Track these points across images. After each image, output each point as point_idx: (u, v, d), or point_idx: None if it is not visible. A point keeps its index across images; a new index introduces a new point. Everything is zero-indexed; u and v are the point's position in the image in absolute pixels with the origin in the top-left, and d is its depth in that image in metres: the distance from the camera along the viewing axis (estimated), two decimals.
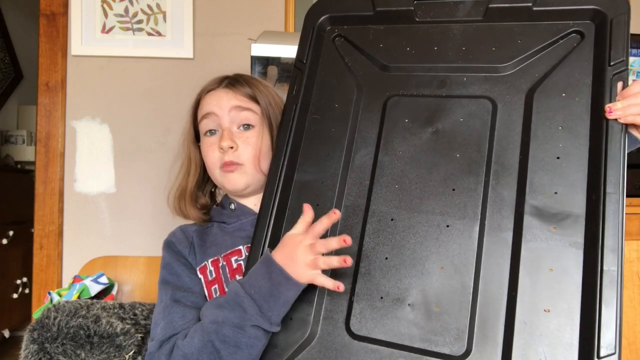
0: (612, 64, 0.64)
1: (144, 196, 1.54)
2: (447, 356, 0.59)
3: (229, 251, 0.82)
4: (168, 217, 1.53)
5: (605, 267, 0.58)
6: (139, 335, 1.07)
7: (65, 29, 1.52)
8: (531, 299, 0.59)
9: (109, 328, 1.04)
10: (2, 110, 3.15)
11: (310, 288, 0.66)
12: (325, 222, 0.64)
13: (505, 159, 0.65)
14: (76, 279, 1.30)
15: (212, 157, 0.84)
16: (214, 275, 0.81)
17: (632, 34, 1.53)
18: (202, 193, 0.92)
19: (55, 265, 1.49)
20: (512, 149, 0.66)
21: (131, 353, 1.04)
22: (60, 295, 1.25)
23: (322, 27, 0.81)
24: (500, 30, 0.72)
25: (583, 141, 0.64)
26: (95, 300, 1.17)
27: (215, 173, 0.85)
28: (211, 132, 0.85)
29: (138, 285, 1.47)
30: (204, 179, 0.93)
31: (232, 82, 0.86)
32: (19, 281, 2.59)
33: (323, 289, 0.66)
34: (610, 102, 0.63)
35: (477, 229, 0.63)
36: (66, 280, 1.49)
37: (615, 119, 0.62)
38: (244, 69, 1.54)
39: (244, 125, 0.84)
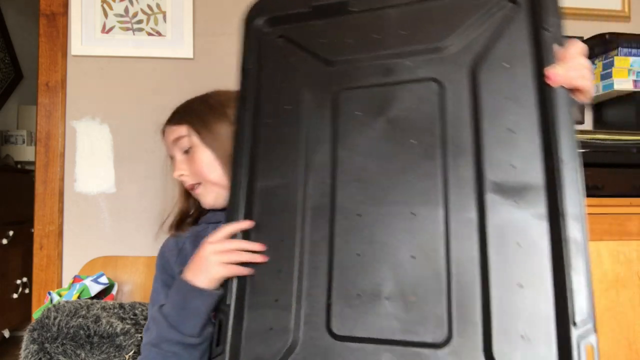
0: (548, 28, 0.64)
1: (144, 196, 1.54)
2: (430, 344, 0.59)
3: None
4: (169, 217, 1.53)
5: (570, 235, 0.58)
6: (139, 335, 1.07)
7: (65, 29, 1.52)
8: (503, 275, 0.59)
9: (109, 328, 1.04)
10: (2, 110, 3.15)
11: (286, 295, 0.66)
12: (233, 226, 0.69)
13: (459, 139, 0.65)
14: (76, 279, 1.30)
15: (184, 183, 0.94)
16: None
17: (632, 34, 1.53)
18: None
19: (55, 265, 1.49)
20: (465, 127, 0.65)
21: (131, 353, 1.04)
22: (60, 295, 1.25)
23: (261, 30, 0.81)
24: (436, 9, 0.71)
25: (532, 110, 0.63)
26: (95, 300, 1.17)
27: (194, 194, 0.94)
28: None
29: (138, 285, 1.46)
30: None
31: (169, 118, 0.97)
32: (19, 281, 2.59)
33: (300, 295, 0.66)
34: (550, 66, 0.62)
35: (441, 213, 0.63)
36: (66, 280, 1.49)
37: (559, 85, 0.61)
38: None
39: (184, 150, 0.91)
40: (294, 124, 0.74)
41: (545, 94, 0.63)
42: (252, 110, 0.77)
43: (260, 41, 0.81)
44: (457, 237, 0.62)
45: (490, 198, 0.62)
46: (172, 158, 0.96)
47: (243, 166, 0.74)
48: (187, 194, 0.98)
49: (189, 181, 0.91)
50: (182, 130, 0.91)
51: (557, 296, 0.58)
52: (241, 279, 0.69)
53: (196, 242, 0.87)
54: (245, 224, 0.70)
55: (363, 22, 0.75)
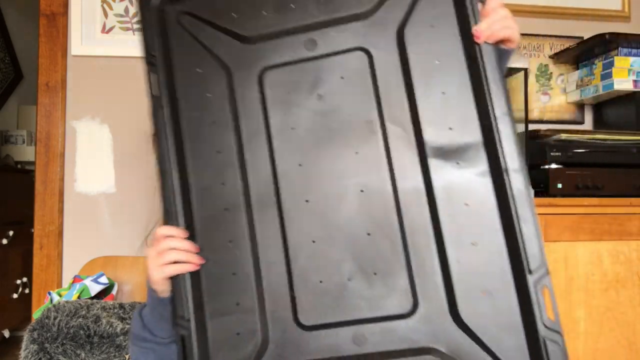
0: None
1: (144, 196, 1.54)
2: (399, 316, 0.60)
3: None
4: None
5: (514, 187, 0.59)
6: None
7: (65, 29, 1.52)
8: (457, 237, 0.60)
9: (109, 328, 1.04)
10: (2, 110, 3.15)
11: (247, 297, 0.64)
12: (166, 229, 0.67)
13: (395, 108, 0.64)
14: (76, 279, 1.30)
15: None
16: None
17: (632, 34, 1.53)
18: None
19: (55, 265, 1.49)
20: (399, 95, 0.64)
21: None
22: (60, 295, 1.25)
23: (161, 9, 0.73)
24: None
25: (462, 70, 0.64)
26: (95, 300, 1.17)
27: None
28: None
29: (138, 285, 1.46)
30: None
31: None
32: (19, 281, 2.59)
33: (261, 293, 0.64)
34: (476, 24, 0.62)
35: (389, 184, 0.63)
36: (66, 280, 1.49)
37: (485, 41, 0.62)
38: None
39: None
40: (221, 113, 0.67)
41: (474, 52, 0.63)
42: (169, 104, 0.70)
43: (161, 23, 0.73)
44: (407, 206, 0.62)
45: (433, 163, 0.62)
46: None
47: (171, 167, 0.66)
48: None
49: None
50: None
51: (510, 249, 0.59)
52: (196, 289, 0.64)
53: None
54: (176, 230, 0.66)
55: None
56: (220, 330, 0.63)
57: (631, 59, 1.50)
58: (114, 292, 1.34)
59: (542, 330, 0.57)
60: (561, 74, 1.73)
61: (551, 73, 1.73)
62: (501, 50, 0.64)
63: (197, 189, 0.67)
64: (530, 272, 0.58)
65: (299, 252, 0.64)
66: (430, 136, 0.63)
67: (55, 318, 1.03)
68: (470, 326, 0.59)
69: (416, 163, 0.63)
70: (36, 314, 1.11)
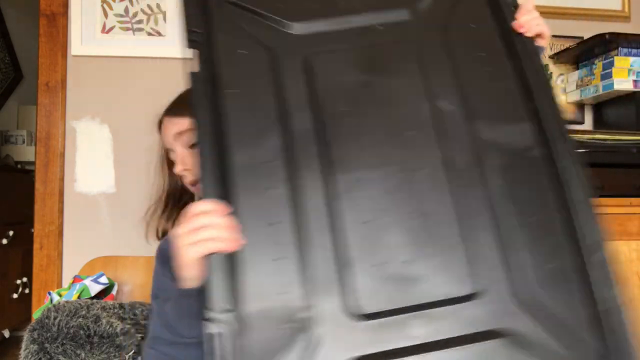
0: None
1: (144, 196, 1.53)
2: (459, 299, 0.57)
3: None
4: None
5: (564, 164, 0.62)
6: (139, 335, 1.07)
7: (65, 29, 1.52)
8: (514, 216, 0.61)
9: (109, 328, 1.04)
10: (2, 110, 3.15)
11: (291, 286, 0.56)
12: (200, 205, 0.59)
13: (445, 101, 0.66)
14: (76, 279, 1.30)
15: (184, 178, 0.91)
16: None
17: (632, 34, 1.53)
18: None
19: (55, 265, 1.49)
20: (450, 90, 0.66)
21: (131, 353, 1.04)
22: (60, 295, 1.25)
23: None
24: None
25: (505, 62, 0.68)
26: (95, 300, 1.17)
27: (193, 190, 0.91)
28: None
29: (138, 285, 1.46)
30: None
31: (170, 108, 0.93)
32: (19, 281, 2.59)
33: (309, 281, 0.56)
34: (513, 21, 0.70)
35: (442, 170, 0.63)
36: (66, 280, 1.49)
37: (523, 33, 0.69)
38: None
39: (189, 145, 0.88)
40: (265, 94, 0.65)
41: (514, 45, 0.68)
42: (209, 79, 0.66)
43: (204, 7, 0.70)
44: (460, 186, 0.62)
45: (484, 143, 0.64)
46: (169, 151, 0.93)
47: (210, 142, 0.62)
48: (175, 194, 0.98)
49: (191, 177, 0.88)
50: (186, 123, 0.85)
51: (567, 226, 0.61)
52: (232, 277, 0.56)
53: None
54: (214, 205, 0.58)
55: None
56: (261, 325, 0.54)
57: (631, 59, 1.50)
58: (114, 292, 1.34)
59: (603, 305, 0.58)
60: (561, 74, 1.73)
61: (551, 73, 1.73)
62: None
63: (238, 167, 0.62)
64: (587, 248, 0.59)
65: (349, 235, 0.59)
66: (485, 128, 0.65)
67: (55, 318, 1.03)
68: (532, 307, 0.57)
69: (469, 149, 0.63)
70: (36, 314, 1.11)
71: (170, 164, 0.96)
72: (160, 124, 0.95)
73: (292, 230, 0.58)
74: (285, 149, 0.63)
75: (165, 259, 0.86)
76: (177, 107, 0.92)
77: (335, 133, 0.64)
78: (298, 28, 0.69)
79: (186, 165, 0.88)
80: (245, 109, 0.65)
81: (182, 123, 0.87)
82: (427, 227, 0.60)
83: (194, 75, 0.66)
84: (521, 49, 0.68)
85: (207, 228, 0.57)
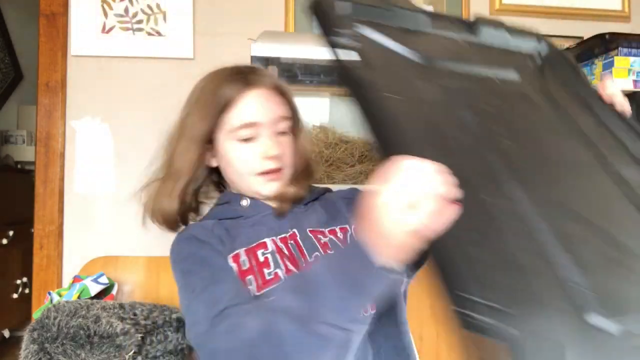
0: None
1: (144, 196, 1.54)
2: None
3: (254, 244, 0.77)
4: None
5: None
6: (139, 335, 1.07)
7: (65, 29, 1.52)
8: None
9: (109, 328, 1.04)
10: (2, 110, 3.15)
11: (552, 290, 0.44)
12: (413, 161, 0.46)
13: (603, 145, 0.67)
14: (76, 279, 1.30)
15: (251, 165, 0.79)
16: (248, 265, 0.75)
17: (632, 34, 1.53)
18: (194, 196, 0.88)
19: (55, 265, 1.49)
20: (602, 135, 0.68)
21: (131, 353, 1.04)
22: (60, 295, 1.25)
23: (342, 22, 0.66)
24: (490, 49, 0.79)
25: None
26: (95, 300, 1.17)
27: (250, 180, 0.80)
28: (248, 138, 0.79)
29: (138, 285, 1.46)
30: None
31: (262, 79, 0.81)
32: (19, 281, 2.59)
33: (565, 287, 0.44)
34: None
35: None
36: (66, 280, 1.49)
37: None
38: None
39: (281, 132, 0.81)
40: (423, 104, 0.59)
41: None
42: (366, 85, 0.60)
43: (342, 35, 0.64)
44: None
45: None
46: (253, 125, 0.78)
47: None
48: (198, 179, 0.85)
49: (277, 165, 0.79)
50: (288, 111, 0.83)
51: None
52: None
53: (226, 230, 0.79)
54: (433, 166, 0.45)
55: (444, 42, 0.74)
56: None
57: (631, 59, 1.50)
58: (114, 292, 1.34)
59: None
60: None
61: None
62: None
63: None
64: None
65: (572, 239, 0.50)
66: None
67: (55, 318, 1.03)
68: None
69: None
70: (36, 314, 1.11)
71: (205, 144, 0.82)
72: (230, 97, 0.80)
73: (520, 228, 0.49)
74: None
75: (200, 242, 0.78)
76: (284, 90, 0.83)
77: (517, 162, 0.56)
78: (428, 60, 0.66)
79: (274, 151, 0.78)
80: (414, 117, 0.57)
81: (286, 110, 0.82)
82: None
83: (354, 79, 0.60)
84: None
85: (428, 190, 0.44)
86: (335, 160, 1.35)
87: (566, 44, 1.69)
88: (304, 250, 0.78)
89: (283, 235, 0.79)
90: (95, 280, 1.28)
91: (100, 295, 1.29)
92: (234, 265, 0.75)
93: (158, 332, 1.12)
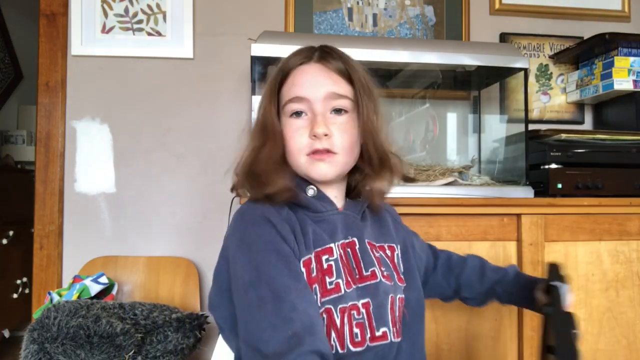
0: None
1: (144, 196, 1.54)
2: None
3: (320, 248, 0.71)
4: (168, 216, 1.53)
5: None
6: (139, 335, 1.07)
7: (65, 29, 1.52)
8: None
9: (109, 328, 1.03)
10: (2, 110, 3.15)
11: None
12: None
13: None
14: (76, 279, 1.30)
15: (299, 142, 0.73)
16: (315, 273, 0.69)
17: (632, 34, 1.53)
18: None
19: (55, 265, 1.49)
20: None
21: (131, 353, 1.04)
22: (60, 295, 1.25)
23: None
24: None
25: None
26: (95, 300, 1.17)
27: (300, 159, 0.74)
28: (298, 113, 0.74)
29: (138, 285, 1.46)
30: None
31: (325, 56, 0.76)
32: (19, 281, 2.59)
33: None
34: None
35: None
36: (66, 280, 1.49)
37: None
38: (244, 69, 1.54)
39: (336, 109, 0.74)
40: None
41: None
42: None
43: None
44: None
45: None
46: (302, 100, 0.74)
47: None
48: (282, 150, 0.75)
49: (326, 146, 0.72)
50: (348, 89, 0.75)
51: None
52: None
53: (302, 225, 0.72)
54: None
55: None
56: None
57: (631, 59, 1.50)
58: (114, 292, 1.34)
59: None
60: (561, 74, 1.73)
61: (551, 73, 1.73)
62: None
63: None
64: None
65: None
66: None
67: (55, 318, 1.03)
68: None
69: None
70: (36, 314, 1.11)
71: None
72: (286, 72, 0.77)
73: None
74: None
75: (279, 234, 0.68)
76: (342, 65, 0.76)
77: None
78: None
79: (328, 130, 0.72)
80: None
81: (345, 88, 0.75)
82: None
83: None
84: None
85: None
86: None
87: (566, 44, 1.69)
88: (361, 262, 0.73)
89: (345, 241, 0.74)
90: (95, 280, 1.28)
91: (100, 295, 1.29)
92: (304, 270, 0.68)
93: (158, 332, 1.12)
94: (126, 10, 1.54)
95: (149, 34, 1.54)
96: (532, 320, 1.18)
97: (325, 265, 0.70)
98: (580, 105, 1.73)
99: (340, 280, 0.69)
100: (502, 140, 1.53)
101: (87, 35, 1.52)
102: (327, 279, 0.68)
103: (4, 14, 3.06)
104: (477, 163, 1.55)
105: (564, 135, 1.34)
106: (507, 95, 1.65)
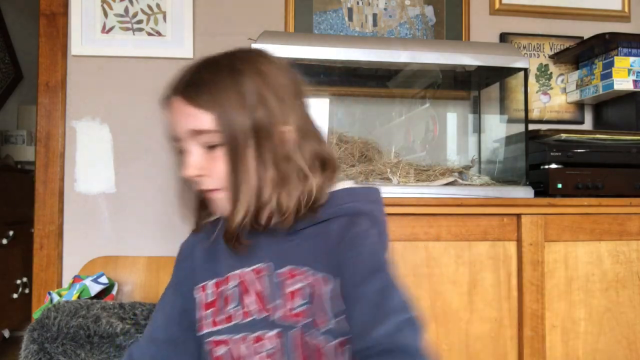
0: None
1: (144, 196, 1.54)
2: None
3: (222, 276, 0.71)
4: (168, 216, 1.53)
5: None
6: (139, 335, 1.07)
7: (65, 29, 1.52)
8: None
9: (109, 328, 1.04)
10: (2, 110, 3.15)
11: None
12: None
13: None
14: (76, 279, 1.30)
15: (196, 184, 0.68)
16: (212, 298, 0.71)
17: (632, 34, 1.53)
18: None
19: (55, 265, 1.49)
20: None
21: None
22: (60, 295, 1.25)
23: None
24: None
25: None
26: (95, 300, 1.17)
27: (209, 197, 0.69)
28: (182, 151, 0.68)
29: (138, 285, 1.46)
30: None
31: (184, 90, 0.69)
32: (19, 281, 2.59)
33: None
34: None
35: None
36: (66, 280, 1.49)
37: None
38: None
39: (208, 146, 0.65)
40: None
41: None
42: None
43: None
44: None
45: None
46: (176, 141, 0.68)
47: None
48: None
49: (206, 187, 0.67)
50: (206, 119, 0.64)
51: None
52: None
53: (208, 251, 0.74)
54: None
55: None
56: None
57: (631, 59, 1.50)
58: (114, 292, 1.34)
59: None
60: (561, 74, 1.73)
61: (551, 73, 1.72)
62: None
63: None
64: None
65: None
66: None
67: (55, 318, 1.03)
68: None
69: None
70: (36, 314, 1.11)
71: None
72: (167, 100, 0.72)
73: None
74: None
75: (175, 264, 0.79)
76: (197, 92, 0.67)
77: None
78: None
79: (203, 170, 0.65)
80: None
81: (203, 119, 0.64)
82: None
83: None
84: None
85: None
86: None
87: (566, 44, 1.69)
88: (266, 292, 0.67)
89: (250, 269, 0.69)
90: (95, 280, 1.28)
91: (100, 295, 1.29)
92: (199, 296, 0.73)
93: None
94: (126, 10, 1.54)
95: (149, 34, 1.54)
96: (532, 320, 1.17)
97: (226, 293, 0.73)
98: (580, 105, 1.73)
99: (234, 310, 0.71)
100: (502, 140, 1.53)
101: (87, 35, 1.52)
102: (225, 308, 0.73)
103: (4, 14, 3.06)
104: (477, 163, 1.55)
105: (564, 135, 1.34)
106: (507, 95, 1.65)
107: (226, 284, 0.70)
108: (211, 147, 0.65)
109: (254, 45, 1.22)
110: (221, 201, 0.67)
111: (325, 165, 0.69)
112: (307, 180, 0.66)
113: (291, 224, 0.66)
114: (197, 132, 0.65)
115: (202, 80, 0.69)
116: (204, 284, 0.73)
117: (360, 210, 0.69)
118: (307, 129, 0.69)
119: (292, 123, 0.66)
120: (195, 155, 0.66)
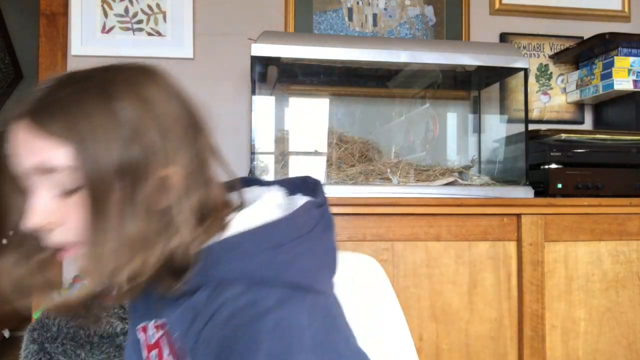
0: None
1: None
2: None
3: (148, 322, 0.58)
4: None
5: None
6: None
7: (65, 29, 1.52)
8: None
9: (109, 328, 1.04)
10: (2, 110, 3.15)
11: None
12: None
13: None
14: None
15: (44, 234, 0.52)
16: (155, 339, 0.56)
17: (632, 34, 1.53)
18: None
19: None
20: None
21: None
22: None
23: None
24: None
25: None
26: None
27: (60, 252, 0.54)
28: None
29: None
30: None
31: (35, 110, 0.49)
32: None
33: None
34: None
35: None
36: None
37: None
38: (244, 69, 1.54)
39: (64, 191, 0.49)
40: None
41: None
42: None
43: None
44: None
45: None
46: (19, 179, 0.51)
47: None
48: None
49: (58, 237, 0.51)
50: (60, 153, 0.47)
51: None
52: None
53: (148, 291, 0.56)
54: None
55: None
56: None
57: (631, 59, 1.50)
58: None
59: None
60: (561, 74, 1.73)
61: (551, 73, 1.73)
62: None
63: None
64: None
65: None
66: None
67: (55, 318, 1.03)
68: None
69: None
70: (36, 314, 1.11)
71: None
72: (10, 124, 0.52)
73: None
74: None
75: None
76: (51, 116, 0.48)
77: None
78: None
79: (52, 219, 0.49)
80: None
81: (56, 152, 0.47)
82: None
83: None
84: None
85: None
86: (335, 160, 1.35)
87: (566, 44, 1.69)
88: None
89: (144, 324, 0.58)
90: None
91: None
92: (141, 336, 0.58)
93: None
94: (126, 10, 1.54)
95: (149, 34, 1.54)
96: (532, 320, 1.18)
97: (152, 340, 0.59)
98: (580, 105, 1.73)
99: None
100: (502, 140, 1.53)
101: (87, 35, 1.52)
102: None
103: (4, 14, 3.07)
104: (477, 163, 1.55)
105: (564, 135, 1.34)
106: (507, 95, 1.66)
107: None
108: (66, 191, 0.49)
109: (254, 45, 1.21)
110: (80, 259, 0.52)
111: (208, 214, 0.53)
112: (173, 237, 0.49)
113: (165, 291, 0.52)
114: (46, 170, 0.48)
115: (59, 101, 0.49)
116: (145, 324, 0.59)
117: (242, 273, 0.49)
118: (200, 172, 0.53)
119: (180, 164, 0.50)
120: (43, 199, 0.49)
